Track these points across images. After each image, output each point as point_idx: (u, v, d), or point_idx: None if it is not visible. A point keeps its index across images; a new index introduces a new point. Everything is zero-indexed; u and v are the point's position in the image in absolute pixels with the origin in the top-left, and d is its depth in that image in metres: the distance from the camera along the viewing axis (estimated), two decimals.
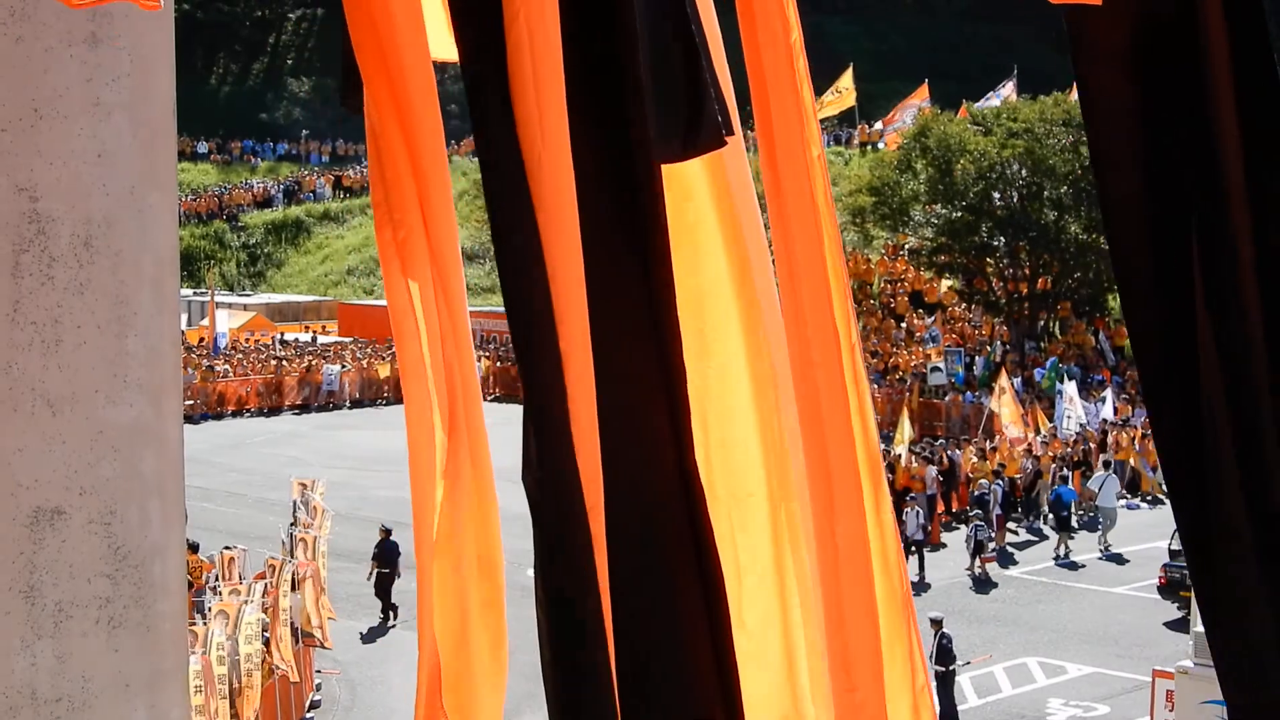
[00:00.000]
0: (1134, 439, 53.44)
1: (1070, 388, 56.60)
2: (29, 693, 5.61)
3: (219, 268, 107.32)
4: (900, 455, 47.92)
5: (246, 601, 25.97)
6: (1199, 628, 26.44)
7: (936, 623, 30.23)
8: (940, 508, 46.72)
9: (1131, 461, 52.77)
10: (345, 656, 34.01)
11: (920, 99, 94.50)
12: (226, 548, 31.30)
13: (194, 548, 31.80)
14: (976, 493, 44.67)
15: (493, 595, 5.99)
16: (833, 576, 5.76)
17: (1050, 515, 46.33)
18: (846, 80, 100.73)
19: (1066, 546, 44.21)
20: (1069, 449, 50.47)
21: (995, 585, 40.68)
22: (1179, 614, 36.13)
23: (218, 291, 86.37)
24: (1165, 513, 48.16)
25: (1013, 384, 56.44)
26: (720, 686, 5.19)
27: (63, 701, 5.65)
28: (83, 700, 5.67)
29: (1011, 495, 46.93)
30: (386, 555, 37.26)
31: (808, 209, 5.83)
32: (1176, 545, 38.55)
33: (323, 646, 32.44)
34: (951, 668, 29.75)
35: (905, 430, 52.16)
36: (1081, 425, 53.56)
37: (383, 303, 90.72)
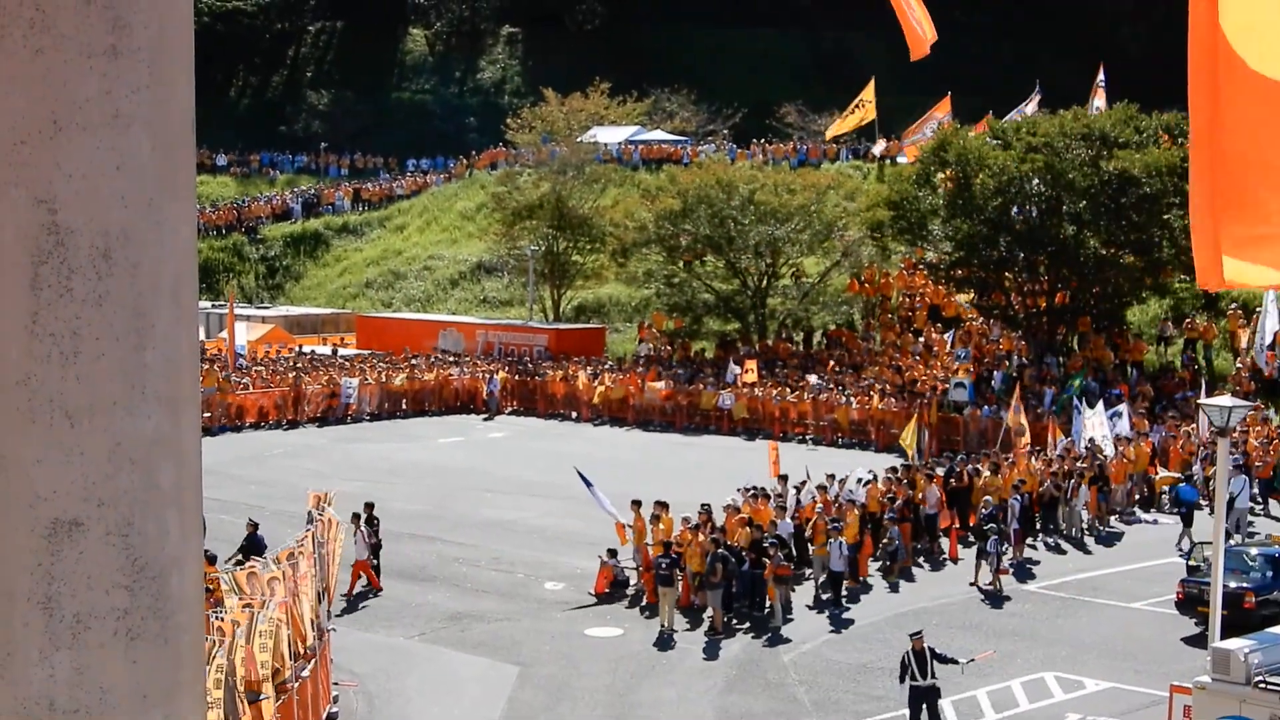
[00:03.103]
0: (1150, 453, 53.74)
1: (1089, 411, 56.48)
2: (47, 704, 5.61)
3: (237, 280, 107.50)
4: (916, 466, 48.05)
5: (260, 609, 25.94)
6: (1217, 643, 26.38)
7: (915, 636, 30.12)
8: (946, 523, 46.59)
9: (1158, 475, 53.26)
10: (362, 668, 34.03)
11: (943, 113, 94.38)
12: (255, 559, 31.30)
13: (211, 560, 31.86)
14: (984, 510, 44.16)
15: None
16: None
17: (1173, 509, 49.96)
18: (868, 94, 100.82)
19: (1190, 540, 44.37)
20: (1082, 464, 50.33)
21: (1010, 599, 40.61)
22: (1197, 629, 36.02)
23: (236, 304, 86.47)
24: (1183, 528, 48.10)
25: (1024, 400, 56.44)
26: None
27: (80, 713, 5.65)
28: (100, 712, 5.67)
29: (1030, 510, 46.86)
30: (255, 549, 37.38)
31: None
32: (1194, 561, 38.51)
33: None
34: (934, 682, 29.61)
35: (910, 435, 52.17)
36: (1092, 441, 53.50)
37: (401, 315, 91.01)
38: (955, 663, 30.18)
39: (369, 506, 41.87)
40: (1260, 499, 52.50)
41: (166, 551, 5.82)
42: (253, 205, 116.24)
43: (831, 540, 39.87)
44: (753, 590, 39.10)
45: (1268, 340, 63.37)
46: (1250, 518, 49.73)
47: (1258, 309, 69.15)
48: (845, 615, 38.94)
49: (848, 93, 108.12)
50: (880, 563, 43.20)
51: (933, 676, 29.44)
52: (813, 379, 69.99)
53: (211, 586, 27.80)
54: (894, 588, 41.96)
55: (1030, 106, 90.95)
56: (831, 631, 37.66)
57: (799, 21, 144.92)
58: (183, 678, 5.94)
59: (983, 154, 69.64)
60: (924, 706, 29.47)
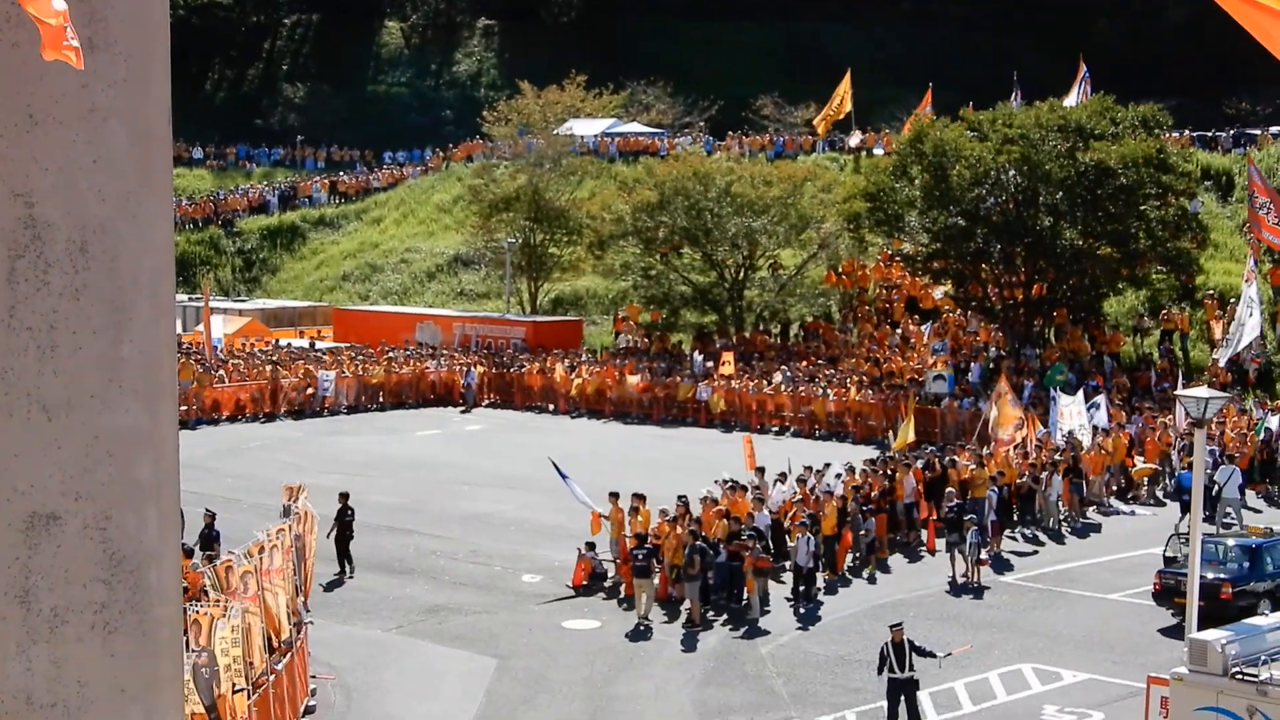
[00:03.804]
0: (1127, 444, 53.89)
1: (1065, 398, 56.55)
2: (24, 698, 5.60)
3: (214, 273, 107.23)
4: (895, 458, 48.10)
5: (226, 607, 25.84)
6: (1194, 634, 26.43)
7: (896, 628, 30.09)
8: (924, 514, 46.44)
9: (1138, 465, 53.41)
10: (340, 661, 33.98)
11: (925, 106, 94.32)
12: (230, 552, 31.23)
13: (189, 553, 31.77)
14: (947, 505, 43.54)
15: None
16: None
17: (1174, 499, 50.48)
18: (844, 87, 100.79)
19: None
20: (1059, 455, 50.38)
21: (988, 590, 40.64)
22: (1174, 620, 36.12)
23: (213, 297, 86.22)
24: (1160, 519, 48.20)
25: (1012, 389, 56.32)
26: None
27: (58, 707, 5.63)
28: (78, 705, 5.66)
29: (1007, 502, 46.89)
30: (211, 541, 37.34)
31: None
32: (1171, 552, 38.52)
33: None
34: (913, 674, 29.58)
35: (908, 433, 52.16)
36: (1069, 432, 53.57)
37: (378, 308, 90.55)
38: (933, 656, 30.17)
39: (344, 496, 41.98)
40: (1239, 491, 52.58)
41: (145, 545, 5.81)
42: (229, 198, 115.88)
43: (799, 536, 39.73)
44: (730, 582, 39.09)
45: (1243, 343, 63.11)
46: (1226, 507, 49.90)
47: (1232, 299, 69.23)
48: (814, 612, 38.79)
49: (824, 84, 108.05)
50: (854, 554, 43.09)
51: (911, 669, 29.44)
52: (781, 374, 69.87)
53: (186, 582, 27.70)
54: (871, 579, 41.99)
55: (1015, 101, 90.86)
56: (809, 624, 37.65)
57: (775, 14, 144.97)
58: (161, 671, 5.93)
59: (959, 145, 69.69)
60: (902, 698, 29.48)
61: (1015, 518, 47.95)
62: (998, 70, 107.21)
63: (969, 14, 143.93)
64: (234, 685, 24.71)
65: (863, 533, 43.06)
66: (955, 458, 48.87)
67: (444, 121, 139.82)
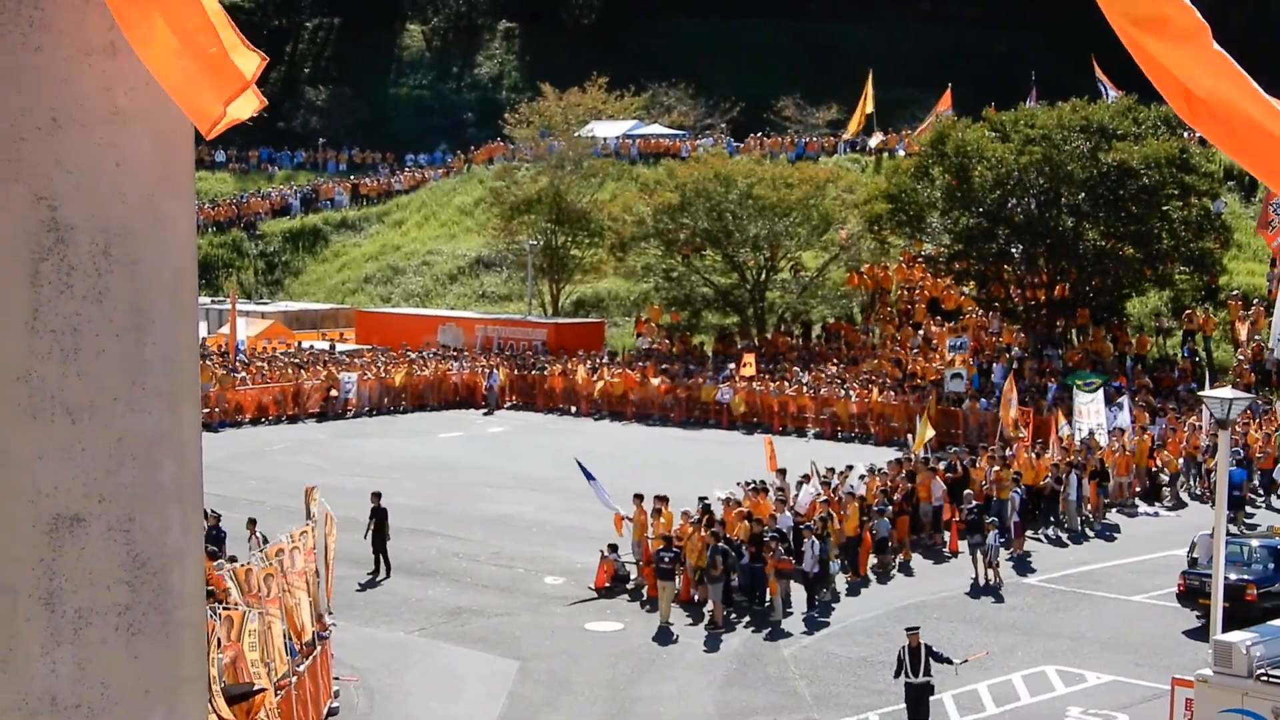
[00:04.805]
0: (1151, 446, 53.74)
1: (1084, 398, 56.46)
2: (49, 699, 5.61)
3: (237, 276, 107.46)
4: (916, 460, 48.03)
5: (249, 610, 25.88)
6: (1218, 636, 26.36)
7: (912, 632, 30.02)
8: (948, 515, 46.35)
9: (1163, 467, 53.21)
10: (363, 664, 34.03)
11: (945, 107, 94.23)
12: (251, 554, 31.27)
13: (211, 555, 31.82)
14: (966, 507, 43.44)
15: None
16: None
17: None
18: (867, 89, 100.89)
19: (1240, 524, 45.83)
20: (1079, 456, 50.24)
21: (1011, 592, 40.56)
22: (1198, 622, 36.02)
23: (236, 300, 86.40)
24: (1184, 520, 48.09)
25: (1016, 389, 56.23)
26: None
27: (82, 708, 5.65)
28: (102, 706, 5.67)
29: (1030, 503, 46.81)
30: (215, 542, 37.42)
31: None
32: (1195, 553, 38.43)
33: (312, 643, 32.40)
34: (928, 679, 29.50)
35: (925, 433, 52.12)
36: (1090, 433, 53.46)
37: (400, 310, 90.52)
38: (950, 662, 30.12)
39: (376, 496, 42.17)
40: (1262, 491, 52.39)
41: (168, 547, 5.82)
42: (251, 201, 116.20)
43: (806, 541, 39.53)
44: (753, 584, 39.07)
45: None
46: (1251, 510, 49.78)
47: (1257, 300, 69.14)
48: (826, 615, 38.73)
49: (844, 86, 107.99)
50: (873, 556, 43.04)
51: (926, 673, 29.36)
52: (803, 377, 69.84)
53: (210, 584, 27.72)
54: (883, 580, 41.92)
55: (1030, 101, 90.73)
56: (817, 629, 37.58)
57: (795, 15, 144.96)
58: (184, 673, 5.94)
59: (981, 147, 69.62)
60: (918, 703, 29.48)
61: (1037, 519, 47.86)
62: (1012, 70, 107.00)
63: (983, 14, 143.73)
64: (257, 683, 24.74)
65: (873, 529, 42.86)
66: (974, 458, 48.84)
67: (465, 124, 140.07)
